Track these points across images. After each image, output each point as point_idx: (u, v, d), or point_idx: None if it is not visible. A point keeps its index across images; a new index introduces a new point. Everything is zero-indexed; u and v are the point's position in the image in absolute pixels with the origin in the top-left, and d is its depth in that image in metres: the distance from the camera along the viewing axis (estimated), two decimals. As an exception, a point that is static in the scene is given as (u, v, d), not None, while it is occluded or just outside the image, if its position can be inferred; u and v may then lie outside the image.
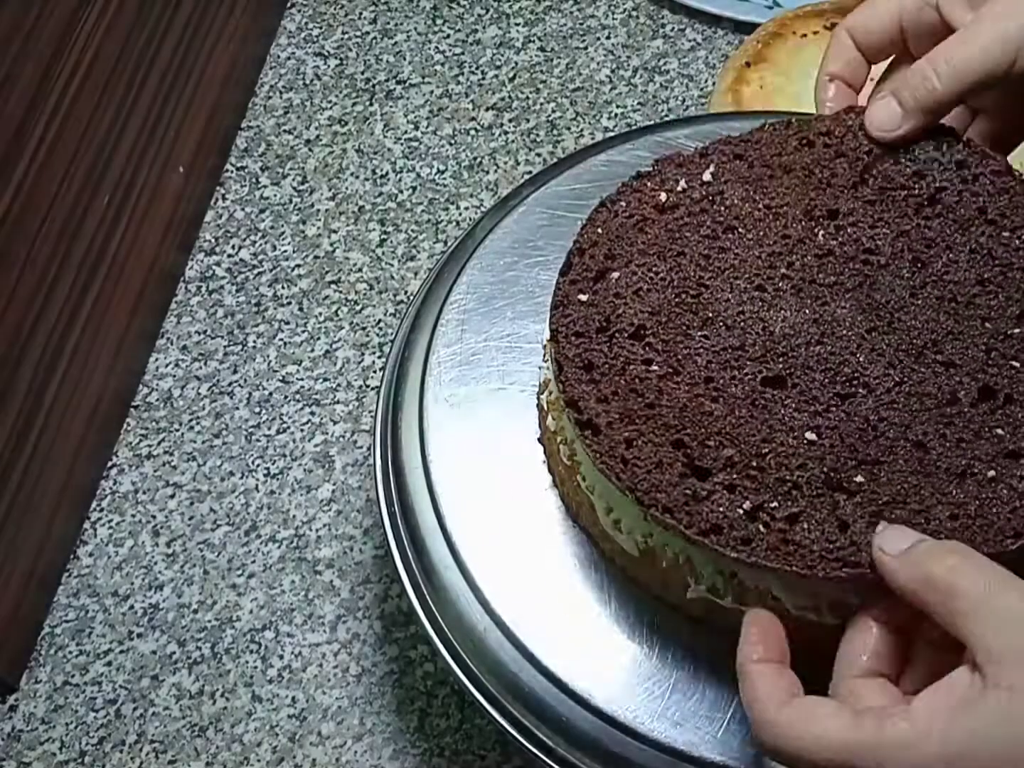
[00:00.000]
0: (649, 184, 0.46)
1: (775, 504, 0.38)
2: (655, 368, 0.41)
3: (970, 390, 0.40)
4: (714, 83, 0.73)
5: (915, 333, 0.42)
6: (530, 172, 0.70)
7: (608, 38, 0.76)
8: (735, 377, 0.41)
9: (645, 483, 0.39)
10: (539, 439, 0.47)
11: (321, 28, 0.77)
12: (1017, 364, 0.41)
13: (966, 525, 0.37)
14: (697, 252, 0.44)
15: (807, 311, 0.42)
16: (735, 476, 0.39)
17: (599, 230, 0.45)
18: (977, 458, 0.39)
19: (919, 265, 0.43)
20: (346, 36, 0.77)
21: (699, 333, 0.42)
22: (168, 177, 0.65)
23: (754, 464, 0.39)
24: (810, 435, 0.39)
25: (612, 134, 0.71)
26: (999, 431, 0.39)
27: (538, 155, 0.71)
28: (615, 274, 0.43)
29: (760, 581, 0.39)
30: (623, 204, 0.45)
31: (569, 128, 0.72)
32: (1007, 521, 0.37)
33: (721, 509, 0.38)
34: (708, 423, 0.40)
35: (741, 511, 0.38)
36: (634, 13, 0.77)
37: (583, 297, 0.43)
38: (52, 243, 0.55)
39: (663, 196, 0.45)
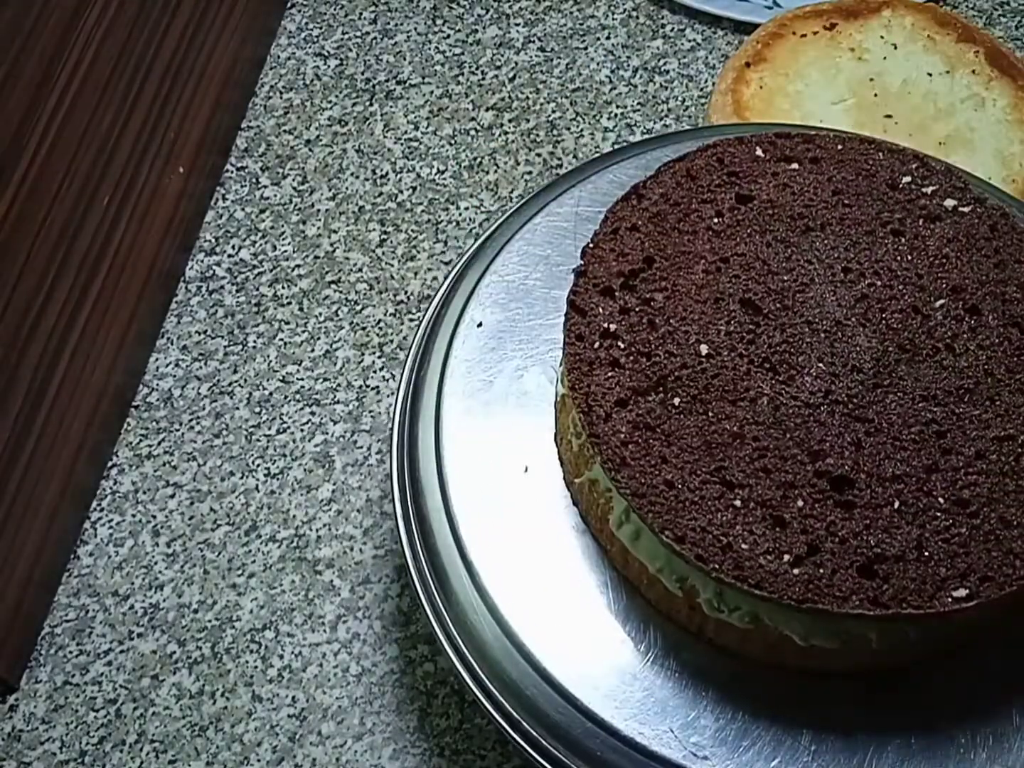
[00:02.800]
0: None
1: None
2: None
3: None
4: (714, 83, 0.73)
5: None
6: (530, 173, 0.70)
7: (608, 38, 0.76)
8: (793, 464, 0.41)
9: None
10: (554, 438, 0.47)
11: (321, 28, 0.77)
12: None
13: None
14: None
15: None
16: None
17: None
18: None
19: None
20: (346, 36, 0.77)
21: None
22: (168, 177, 0.65)
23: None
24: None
25: (650, 135, 0.71)
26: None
27: (538, 155, 0.71)
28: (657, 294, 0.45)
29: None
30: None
31: (569, 128, 0.72)
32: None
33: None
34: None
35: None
36: (634, 13, 0.77)
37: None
38: (52, 243, 0.55)
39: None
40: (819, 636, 0.40)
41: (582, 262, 0.45)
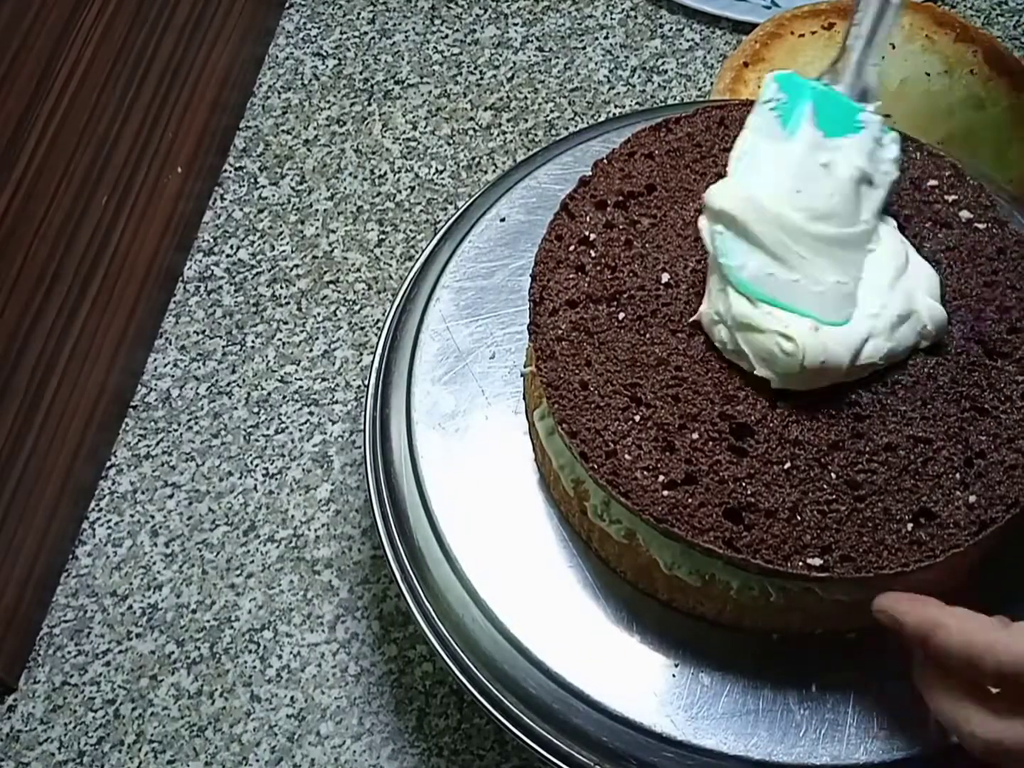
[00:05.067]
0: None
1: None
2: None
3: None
4: (712, 83, 0.73)
5: None
6: (528, 172, 0.70)
7: (606, 38, 0.76)
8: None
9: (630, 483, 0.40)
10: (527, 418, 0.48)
11: (319, 28, 0.77)
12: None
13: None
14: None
15: None
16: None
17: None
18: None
19: None
20: (344, 36, 0.77)
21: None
22: (166, 177, 0.65)
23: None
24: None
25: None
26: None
27: (536, 155, 0.71)
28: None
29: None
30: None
31: (567, 128, 0.72)
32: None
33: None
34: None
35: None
36: (632, 13, 0.77)
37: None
38: (50, 243, 0.55)
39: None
40: (682, 568, 0.41)
41: (589, 172, 0.47)
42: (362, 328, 0.65)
